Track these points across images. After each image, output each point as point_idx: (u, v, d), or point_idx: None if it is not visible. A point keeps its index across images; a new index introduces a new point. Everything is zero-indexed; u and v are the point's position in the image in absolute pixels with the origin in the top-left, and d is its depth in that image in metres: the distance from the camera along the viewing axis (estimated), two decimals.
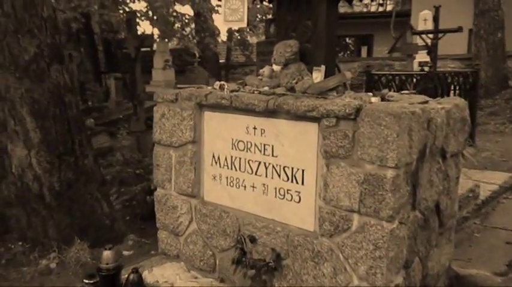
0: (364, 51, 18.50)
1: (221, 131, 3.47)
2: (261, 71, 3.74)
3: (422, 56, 11.50)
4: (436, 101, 3.38)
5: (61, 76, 4.64)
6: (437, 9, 8.34)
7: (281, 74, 3.54)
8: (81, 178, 4.66)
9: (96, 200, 4.76)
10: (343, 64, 15.09)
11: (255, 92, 3.32)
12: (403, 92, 3.48)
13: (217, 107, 3.43)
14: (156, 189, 3.93)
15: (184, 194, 3.69)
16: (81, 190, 4.63)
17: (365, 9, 17.13)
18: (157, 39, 14.38)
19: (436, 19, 8.26)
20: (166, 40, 11.61)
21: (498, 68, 13.14)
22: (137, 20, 13.29)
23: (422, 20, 12.98)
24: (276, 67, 3.68)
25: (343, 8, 17.18)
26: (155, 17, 11.58)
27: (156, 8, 11.07)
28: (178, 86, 3.79)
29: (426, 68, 9.19)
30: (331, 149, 2.82)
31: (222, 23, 3.89)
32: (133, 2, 13.77)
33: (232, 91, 3.45)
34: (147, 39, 8.48)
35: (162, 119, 3.75)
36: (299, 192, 3.08)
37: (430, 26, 12.38)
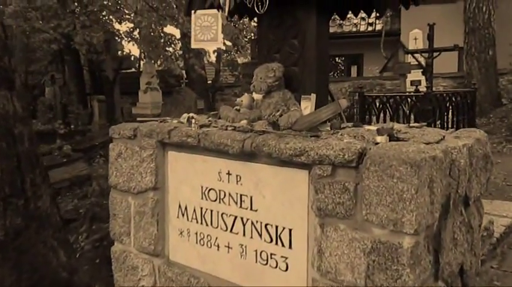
0: (354, 70, 17.93)
1: (188, 176, 2.72)
2: (238, 100, 3.01)
3: (414, 75, 10.91)
4: (453, 135, 2.66)
5: (10, 104, 3.87)
6: (431, 27, 7.71)
7: (262, 104, 2.82)
8: (33, 224, 3.88)
9: (51, 249, 3.97)
10: (333, 84, 14.45)
11: (229, 128, 2.58)
12: (412, 125, 2.76)
13: (183, 147, 2.69)
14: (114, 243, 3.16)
15: (145, 252, 2.92)
16: (32, 239, 3.84)
17: (354, 29, 16.60)
18: (144, 61, 13.71)
19: (430, 37, 7.63)
20: (152, 61, 10.87)
21: (491, 86, 12.56)
22: (123, 40, 12.61)
23: (413, 39, 12.41)
24: (256, 95, 2.96)
25: (332, 28, 16.65)
26: (139, 38, 10.86)
27: (141, 29, 10.35)
28: (138, 119, 3.05)
29: (421, 88, 8.55)
30: (327, 206, 2.07)
31: (192, 44, 3.16)
32: (119, 22, 13.09)
33: (202, 126, 2.71)
34: (126, 60, 7.77)
35: (119, 159, 2.99)
36: (286, 258, 2.32)
37: (420, 44, 11.83)
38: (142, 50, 11.95)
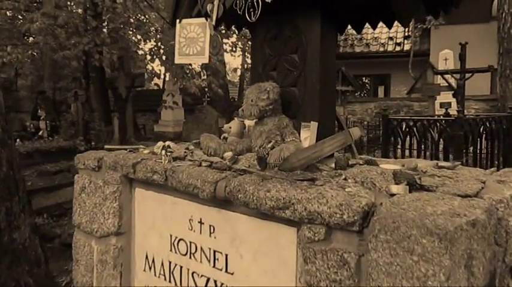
0: (381, 91, 17.12)
1: (156, 221, 2.14)
2: (225, 126, 2.43)
3: (444, 97, 10.13)
4: (495, 177, 1.98)
5: None
6: (463, 47, 6.99)
7: (254, 132, 2.24)
8: (5, 259, 3.38)
9: None
10: (359, 104, 13.74)
11: (204, 164, 1.99)
12: (441, 164, 2.10)
13: (151, 184, 2.12)
14: None
15: None
16: (1, 276, 3.34)
17: (381, 49, 15.86)
18: (168, 79, 13.40)
19: (462, 57, 6.90)
20: (175, 79, 10.47)
21: None
22: (146, 58, 12.33)
23: (443, 59, 11.63)
24: (248, 122, 2.38)
25: (358, 48, 15.99)
26: (164, 57, 10.48)
27: (166, 46, 9.96)
28: (106, 147, 2.51)
29: (451, 111, 7.79)
30: (318, 283, 1.45)
31: (176, 58, 2.62)
32: (144, 40, 12.84)
33: (175, 159, 2.14)
34: (139, 78, 7.37)
35: (82, 195, 2.45)
36: None
37: (451, 65, 11.05)
38: (165, 68, 11.63)
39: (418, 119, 6.41)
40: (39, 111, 13.33)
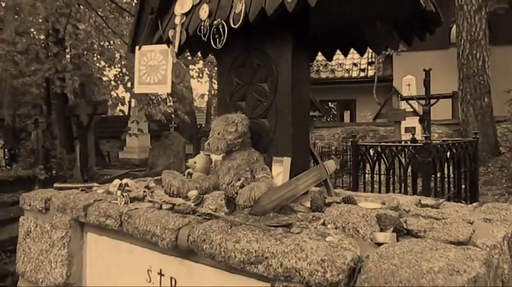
0: (347, 116, 17.29)
1: (111, 271, 1.87)
2: (190, 161, 2.20)
3: (409, 122, 10.27)
4: (480, 215, 1.83)
5: None
6: (427, 73, 7.09)
7: (221, 167, 2.03)
8: None
9: None
10: (326, 129, 13.76)
11: (165, 206, 1.76)
12: (424, 201, 1.93)
13: (104, 229, 1.85)
14: None
15: None
16: None
17: (346, 75, 16.10)
18: (133, 105, 13.05)
19: (427, 83, 6.98)
20: (140, 106, 10.16)
21: (488, 134, 11.85)
22: (110, 84, 11.97)
23: (406, 85, 11.86)
24: (215, 156, 2.18)
25: (324, 73, 16.16)
26: (129, 83, 10.16)
27: (131, 73, 9.65)
28: (55, 185, 2.23)
29: (417, 136, 7.84)
30: None
31: (135, 87, 2.40)
32: (108, 66, 12.50)
33: (133, 199, 1.89)
34: (101, 105, 7.05)
35: (27, 240, 2.15)
36: None
37: (414, 90, 11.28)
38: (130, 94, 11.30)
39: (387, 146, 6.36)
40: None
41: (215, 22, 1.98)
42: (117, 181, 2.01)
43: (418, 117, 9.10)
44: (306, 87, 2.09)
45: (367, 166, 6.68)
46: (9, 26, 12.05)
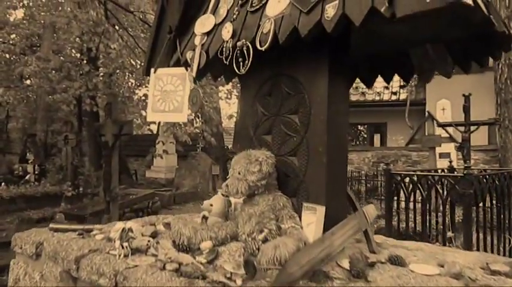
0: (377, 139, 16.72)
1: None
2: (205, 203, 1.88)
3: (443, 147, 9.72)
4: None
5: None
6: (467, 98, 6.60)
7: (241, 213, 1.70)
8: None
9: None
10: (356, 153, 13.25)
11: (169, 266, 1.42)
12: (494, 268, 1.53)
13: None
14: None
15: None
16: None
17: (377, 97, 15.59)
18: (161, 124, 12.95)
19: (466, 109, 6.49)
20: (167, 126, 10.00)
21: None
22: (139, 104, 11.92)
23: (440, 109, 11.31)
24: (234, 199, 1.85)
25: (354, 96, 15.70)
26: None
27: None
28: (51, 225, 1.94)
29: (452, 163, 7.34)
30: None
31: (148, 115, 2.11)
32: (140, 87, 12.50)
33: (135, 251, 1.57)
34: (127, 125, 6.87)
35: None
36: None
37: (448, 115, 10.74)
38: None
39: (424, 175, 5.88)
40: (27, 154, 12.77)
41: (239, 43, 1.67)
42: (120, 225, 1.70)
43: (453, 143, 8.57)
44: (344, 121, 1.74)
45: (401, 194, 6.23)
46: (47, 43, 12.25)
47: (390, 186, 6.14)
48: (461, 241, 5.63)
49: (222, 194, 1.81)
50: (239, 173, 1.67)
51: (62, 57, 10.52)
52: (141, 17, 9.25)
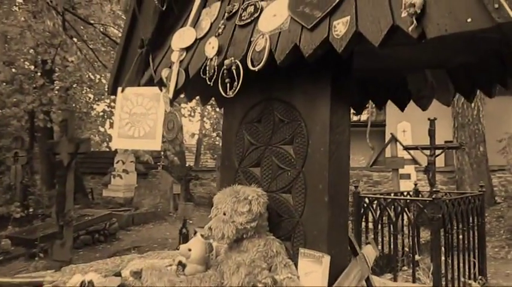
0: None
1: None
2: (182, 247, 1.58)
3: (404, 169, 9.84)
4: None
5: None
6: (432, 123, 6.66)
7: (226, 261, 1.42)
8: None
9: None
10: None
11: None
12: None
13: None
14: None
15: None
16: None
17: None
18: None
19: (432, 133, 6.52)
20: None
21: (484, 183, 11.45)
22: (97, 120, 11.34)
23: (401, 131, 11.48)
24: (217, 243, 1.56)
25: None
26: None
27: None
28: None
29: (411, 182, 7.38)
30: None
31: (113, 141, 1.81)
32: (98, 102, 11.94)
33: None
34: (84, 143, 6.41)
35: None
36: None
37: (409, 137, 10.93)
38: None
39: (393, 199, 5.79)
40: None
41: (226, 61, 1.42)
42: (77, 278, 1.37)
43: (413, 165, 8.70)
44: (346, 152, 1.52)
45: (369, 216, 6.15)
46: None
47: (359, 209, 6.02)
48: (428, 264, 5.57)
49: (203, 237, 1.53)
50: (225, 214, 1.41)
51: (13, 69, 9.83)
52: (101, 29, 8.82)
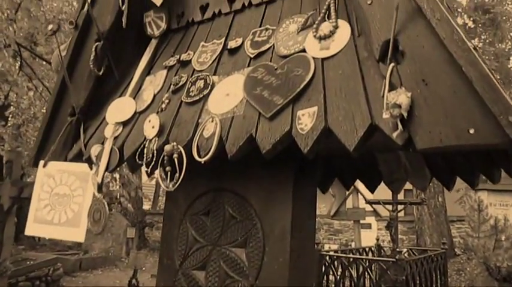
0: None
1: None
2: None
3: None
4: None
5: None
6: None
7: None
8: None
9: None
10: None
11: None
12: None
13: None
14: None
15: None
16: None
17: None
18: None
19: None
20: None
21: (443, 233, 11.54)
22: None
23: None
24: None
25: None
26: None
27: None
28: None
29: (372, 233, 7.23)
30: None
31: (27, 227, 1.47)
32: None
33: None
34: (28, 187, 5.87)
35: None
36: None
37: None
38: None
39: (356, 258, 5.57)
40: None
41: (167, 147, 1.15)
42: None
43: (374, 217, 8.67)
44: (311, 258, 1.25)
45: (330, 277, 5.88)
46: None
47: (320, 269, 5.74)
48: None
49: None
50: None
51: None
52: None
